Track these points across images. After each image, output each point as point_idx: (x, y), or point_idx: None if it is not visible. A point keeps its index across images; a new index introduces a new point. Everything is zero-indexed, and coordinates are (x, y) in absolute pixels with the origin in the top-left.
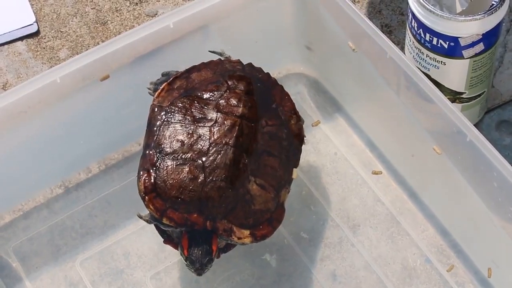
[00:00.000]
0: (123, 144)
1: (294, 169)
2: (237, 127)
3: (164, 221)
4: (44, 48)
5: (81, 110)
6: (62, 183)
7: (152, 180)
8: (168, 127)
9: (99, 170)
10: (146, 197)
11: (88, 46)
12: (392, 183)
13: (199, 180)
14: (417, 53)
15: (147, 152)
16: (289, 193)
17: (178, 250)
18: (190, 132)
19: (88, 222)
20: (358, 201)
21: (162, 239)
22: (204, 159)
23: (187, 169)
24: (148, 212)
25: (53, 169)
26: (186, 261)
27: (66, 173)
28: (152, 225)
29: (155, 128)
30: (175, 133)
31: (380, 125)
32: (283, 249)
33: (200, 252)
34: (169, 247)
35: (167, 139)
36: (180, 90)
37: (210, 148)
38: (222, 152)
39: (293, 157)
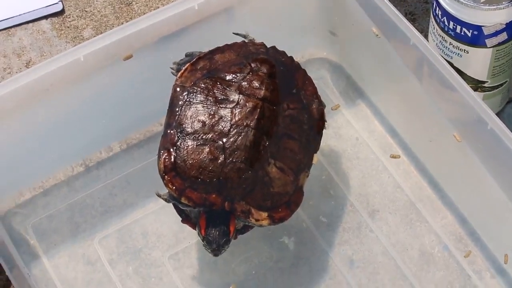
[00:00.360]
0: (145, 124)
1: (315, 155)
2: (258, 110)
3: (183, 200)
4: (68, 27)
5: (104, 89)
6: (83, 161)
7: (172, 160)
8: (190, 107)
9: (120, 149)
10: (166, 176)
11: (112, 26)
12: (412, 170)
13: (219, 161)
14: (440, 41)
15: (168, 131)
16: (308, 177)
17: (195, 230)
18: (212, 113)
19: (108, 201)
20: (378, 187)
21: (180, 219)
22: (224, 140)
23: (207, 149)
24: (167, 191)
25: (74, 147)
26: (203, 241)
27: (87, 151)
28: (171, 205)
29: (177, 108)
30: (196, 113)
31: (402, 111)
32: (302, 233)
33: (217, 233)
34: (188, 228)
35: (189, 119)
36: (203, 71)
37: (231, 129)
38: (242, 134)
39: (313, 141)
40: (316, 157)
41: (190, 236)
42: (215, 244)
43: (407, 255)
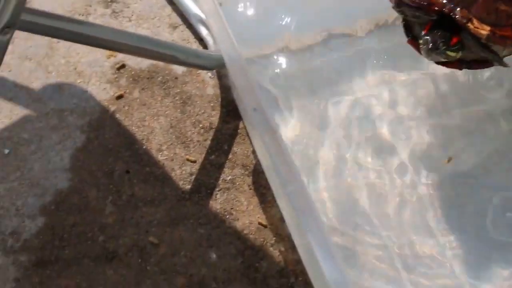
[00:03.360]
0: None
1: None
2: None
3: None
4: None
5: None
6: (330, 30)
7: None
8: None
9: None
10: None
11: None
12: None
13: None
14: None
15: None
16: None
17: (420, 52)
18: None
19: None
20: None
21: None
22: None
23: None
24: None
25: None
26: (421, 39)
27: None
28: None
29: None
30: None
31: None
32: None
33: (439, 34)
34: None
35: None
36: None
37: None
38: None
39: None
40: None
41: None
42: (431, 44)
43: None
